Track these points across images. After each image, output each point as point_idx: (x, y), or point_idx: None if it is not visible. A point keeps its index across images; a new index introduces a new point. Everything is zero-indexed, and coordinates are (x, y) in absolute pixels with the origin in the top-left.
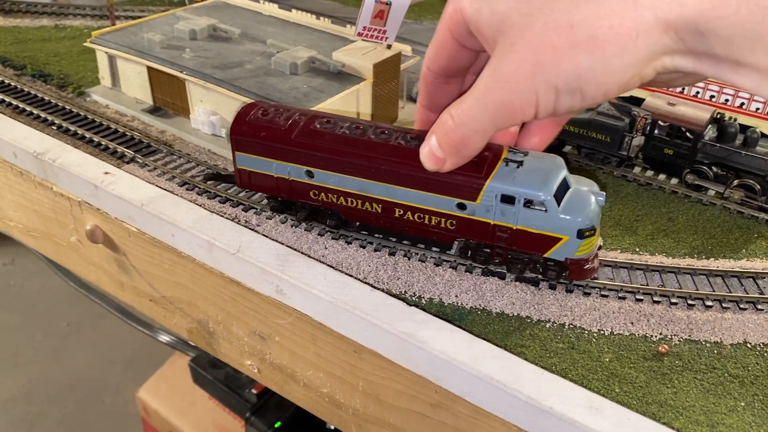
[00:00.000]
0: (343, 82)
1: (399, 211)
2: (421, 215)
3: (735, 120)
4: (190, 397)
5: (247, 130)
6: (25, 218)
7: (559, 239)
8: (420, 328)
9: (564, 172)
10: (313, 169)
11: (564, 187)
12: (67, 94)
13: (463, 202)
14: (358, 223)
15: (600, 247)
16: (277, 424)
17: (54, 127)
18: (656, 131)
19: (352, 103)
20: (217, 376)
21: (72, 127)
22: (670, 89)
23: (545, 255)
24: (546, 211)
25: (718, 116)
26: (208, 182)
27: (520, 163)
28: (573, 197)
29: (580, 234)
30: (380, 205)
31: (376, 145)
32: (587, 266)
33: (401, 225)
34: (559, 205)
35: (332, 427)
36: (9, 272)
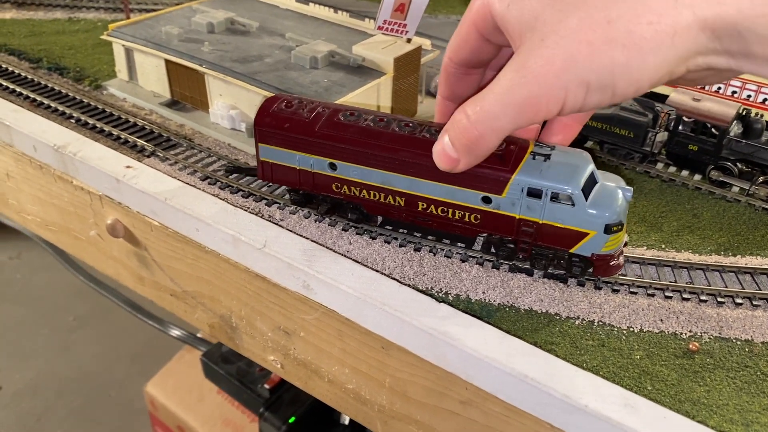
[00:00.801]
0: (363, 76)
1: (422, 205)
2: (445, 209)
3: (761, 116)
4: (198, 391)
5: (270, 122)
6: (43, 212)
7: (586, 234)
8: (450, 324)
9: (591, 167)
10: (336, 162)
11: (591, 181)
12: (84, 87)
13: (489, 195)
14: (380, 218)
15: (626, 244)
16: (292, 419)
17: (72, 121)
18: (680, 127)
19: (372, 97)
20: (229, 371)
21: (91, 121)
22: (690, 87)
23: (571, 251)
24: (573, 205)
25: (744, 112)
26: (231, 176)
27: (547, 157)
28: (600, 192)
29: (608, 229)
30: (403, 199)
31: (401, 138)
32: (613, 262)
33: (424, 219)
34: (586, 199)
35: (346, 422)
36: (15, 266)
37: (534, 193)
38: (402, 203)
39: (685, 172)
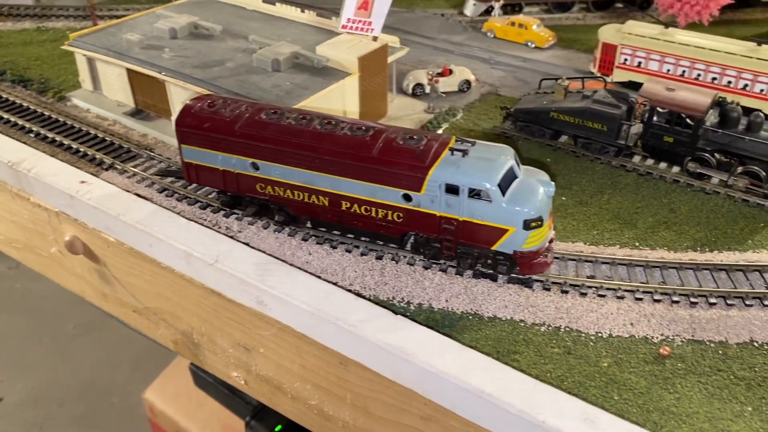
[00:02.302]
0: (328, 77)
1: (346, 204)
2: (368, 208)
3: (737, 104)
4: (196, 397)
5: (191, 122)
6: (5, 230)
7: (506, 231)
8: (407, 338)
9: (510, 162)
10: (258, 161)
11: (510, 177)
12: (48, 99)
13: (409, 193)
14: (306, 218)
15: (552, 240)
16: (278, 428)
17: (32, 135)
18: (655, 118)
19: (337, 98)
20: (218, 380)
21: (50, 134)
22: (669, 72)
23: (493, 248)
24: (491, 201)
25: (721, 101)
26: (166, 179)
27: (465, 153)
28: (519, 187)
29: (527, 225)
30: (327, 198)
31: (321, 136)
32: (538, 260)
33: (350, 219)
34: (504, 195)
35: None
36: (14, 276)
37: (452, 190)
38: (326, 203)
39: (662, 165)
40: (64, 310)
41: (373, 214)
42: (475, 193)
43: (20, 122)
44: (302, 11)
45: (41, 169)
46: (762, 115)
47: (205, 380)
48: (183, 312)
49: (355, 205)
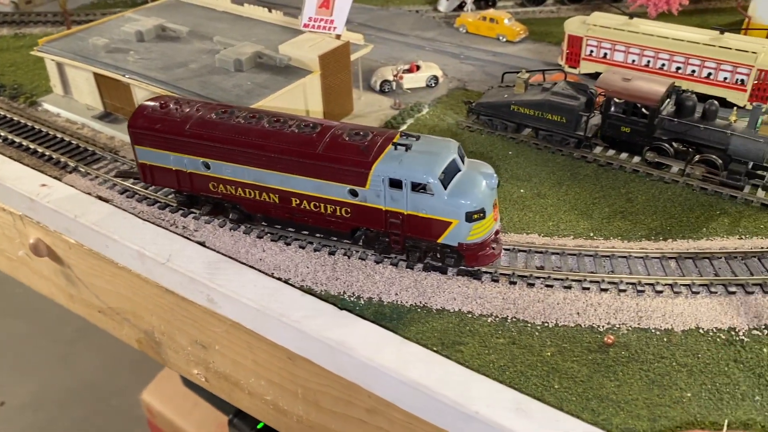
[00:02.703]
0: (289, 76)
1: (296, 201)
2: (317, 204)
3: (692, 93)
4: (192, 397)
5: (143, 124)
6: None
7: (449, 223)
8: (349, 333)
9: (453, 156)
10: (209, 160)
11: (453, 170)
12: (19, 105)
13: (354, 188)
14: (260, 216)
15: (498, 232)
16: (260, 425)
17: (0, 140)
18: (612, 109)
19: (299, 97)
20: None
21: (17, 139)
22: (634, 63)
23: (438, 241)
24: (433, 194)
25: (676, 90)
26: (127, 180)
27: (408, 147)
28: (461, 180)
29: (469, 217)
30: (277, 195)
31: (269, 134)
32: (484, 252)
33: (300, 215)
34: (446, 188)
35: None
36: (15, 281)
37: (395, 184)
38: (277, 200)
39: (623, 156)
40: (64, 315)
41: (323, 210)
42: (417, 187)
43: None
44: (270, 11)
45: (3, 173)
46: (716, 103)
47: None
48: (143, 311)
49: (305, 202)
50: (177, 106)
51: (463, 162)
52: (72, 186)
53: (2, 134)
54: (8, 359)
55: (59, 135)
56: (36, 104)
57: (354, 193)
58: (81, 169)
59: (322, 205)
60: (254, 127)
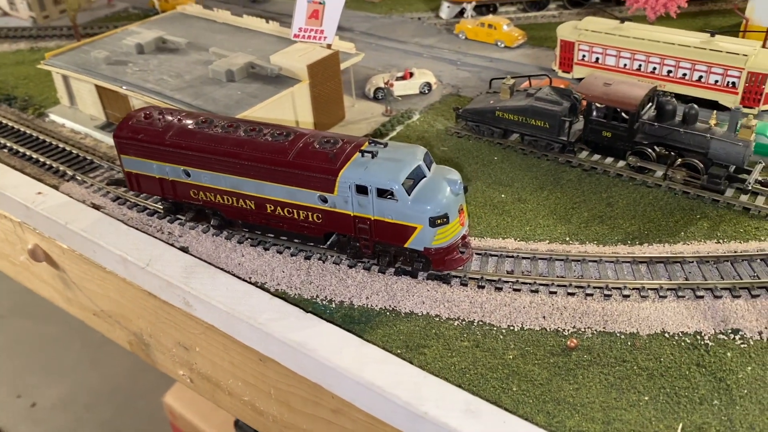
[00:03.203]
0: (279, 85)
1: (270, 207)
2: (291, 210)
3: (672, 96)
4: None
5: (127, 134)
6: None
7: (414, 228)
8: (311, 335)
9: (418, 162)
10: (189, 168)
11: (417, 176)
12: (28, 116)
13: (324, 194)
14: (240, 222)
15: (466, 236)
16: None
17: (6, 151)
18: (593, 114)
19: (288, 105)
20: None
21: (21, 149)
22: (626, 67)
23: (405, 245)
24: (397, 200)
25: (657, 93)
26: (118, 188)
27: (374, 154)
28: (425, 187)
29: (432, 222)
30: (253, 202)
31: (244, 142)
32: (450, 257)
33: (276, 221)
34: (409, 194)
35: None
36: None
37: (361, 190)
38: (253, 206)
39: (608, 160)
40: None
41: (296, 215)
42: (383, 193)
43: None
44: (267, 22)
45: (4, 181)
46: (696, 107)
47: None
48: (131, 314)
49: (278, 208)
50: (160, 116)
51: (429, 168)
52: (68, 194)
53: (8, 144)
54: (40, 361)
55: (61, 145)
56: (44, 115)
57: (324, 200)
58: (78, 178)
59: (295, 211)
60: (230, 135)
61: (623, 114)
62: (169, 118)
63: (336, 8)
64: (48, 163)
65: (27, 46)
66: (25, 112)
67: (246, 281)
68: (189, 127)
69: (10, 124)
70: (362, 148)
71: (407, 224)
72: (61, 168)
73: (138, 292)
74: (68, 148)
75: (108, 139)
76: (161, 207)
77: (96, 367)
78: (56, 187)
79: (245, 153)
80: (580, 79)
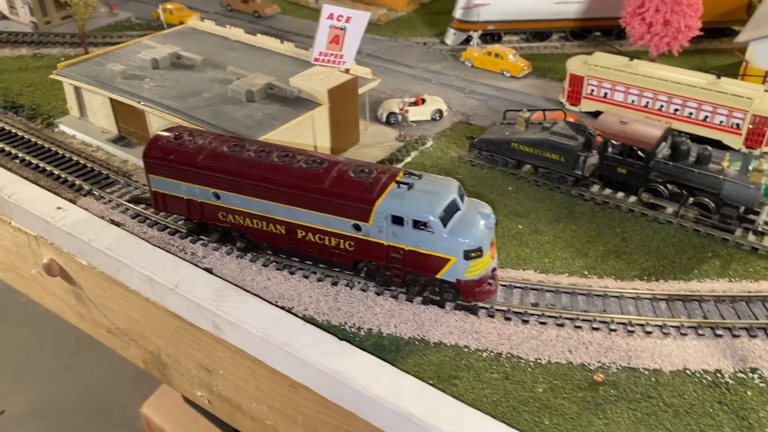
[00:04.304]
0: (298, 108)
1: (301, 233)
2: (322, 236)
3: (687, 137)
4: (191, 412)
5: (157, 154)
6: None
7: (448, 260)
8: (347, 363)
9: (453, 195)
10: (219, 191)
11: (452, 209)
12: (36, 126)
13: (358, 223)
14: (266, 246)
15: (495, 269)
16: None
17: (17, 161)
18: (609, 150)
19: (307, 128)
20: None
21: (34, 161)
22: (634, 103)
23: (437, 276)
24: (433, 232)
25: (672, 134)
26: (138, 205)
27: (410, 186)
28: (460, 219)
29: (467, 255)
30: (283, 227)
31: (278, 168)
32: (480, 288)
33: (305, 246)
34: (445, 226)
35: None
36: (17, 289)
37: (397, 221)
38: (283, 231)
39: (620, 195)
40: (68, 325)
41: (327, 242)
42: (418, 225)
43: (7, 148)
44: (281, 42)
45: (21, 194)
46: (710, 148)
47: None
48: (151, 333)
49: (310, 234)
50: (190, 138)
51: (462, 201)
52: (86, 209)
53: (20, 155)
54: (10, 367)
55: (74, 157)
56: (53, 125)
57: (357, 228)
58: (95, 193)
59: (326, 237)
60: (264, 160)
61: (639, 152)
62: (200, 140)
63: (356, 34)
64: (63, 176)
65: (29, 52)
66: (33, 122)
67: (274, 305)
68: (221, 150)
69: (20, 133)
70: (397, 178)
71: (441, 256)
72: (77, 182)
73: (162, 313)
74: (82, 162)
75: (121, 153)
76: (184, 227)
77: (69, 374)
78: (73, 202)
79: (279, 179)
80: (588, 113)
